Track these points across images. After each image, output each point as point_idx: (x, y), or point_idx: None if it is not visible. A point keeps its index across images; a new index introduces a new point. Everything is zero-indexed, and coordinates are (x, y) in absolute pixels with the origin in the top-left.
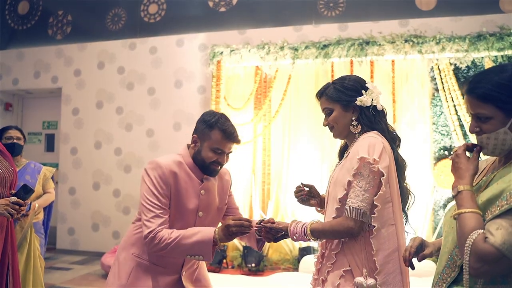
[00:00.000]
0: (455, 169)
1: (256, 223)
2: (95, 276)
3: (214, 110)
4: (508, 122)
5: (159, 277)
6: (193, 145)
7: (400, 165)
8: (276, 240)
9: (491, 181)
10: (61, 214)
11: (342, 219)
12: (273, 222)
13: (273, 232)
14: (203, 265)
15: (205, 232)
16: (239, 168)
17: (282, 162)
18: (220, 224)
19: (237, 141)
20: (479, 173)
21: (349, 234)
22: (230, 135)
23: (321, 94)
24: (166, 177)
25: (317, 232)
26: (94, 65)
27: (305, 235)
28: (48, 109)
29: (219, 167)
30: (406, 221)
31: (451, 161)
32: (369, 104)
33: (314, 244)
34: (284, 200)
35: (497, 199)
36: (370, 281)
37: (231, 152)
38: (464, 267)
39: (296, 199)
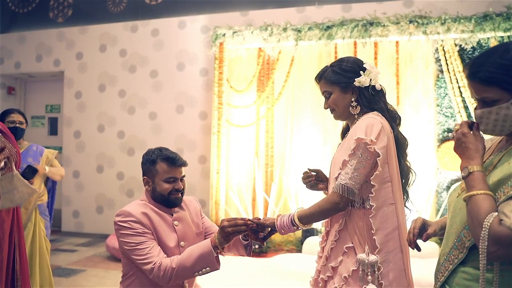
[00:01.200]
0: (462, 149)
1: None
2: (101, 258)
3: (215, 93)
4: None
5: None
6: (147, 186)
7: (400, 143)
8: (264, 239)
9: (500, 161)
10: (65, 197)
11: (329, 195)
12: (259, 219)
13: (260, 229)
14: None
15: (203, 245)
16: (242, 150)
17: (285, 144)
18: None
19: (182, 164)
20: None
21: (336, 210)
22: (174, 161)
23: (319, 78)
24: (140, 220)
25: (305, 218)
26: (96, 48)
27: (293, 225)
28: (51, 93)
29: (180, 194)
30: (407, 200)
31: (454, 140)
32: (367, 85)
33: (317, 225)
34: (287, 182)
35: (510, 179)
36: (372, 257)
37: (184, 176)
38: (480, 252)
39: (305, 185)
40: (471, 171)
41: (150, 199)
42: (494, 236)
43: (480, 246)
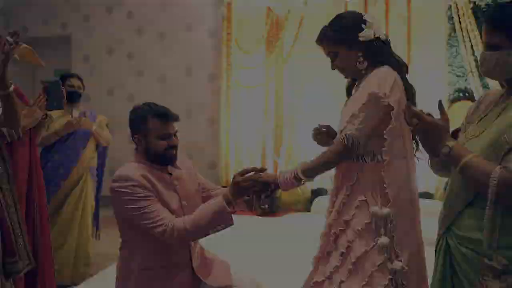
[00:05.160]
0: (431, 136)
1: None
2: (115, 219)
3: (224, 54)
4: None
5: (172, 280)
6: (139, 146)
7: (409, 92)
8: (267, 195)
9: (504, 110)
10: None
11: (333, 145)
12: (265, 169)
13: (262, 185)
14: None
15: (216, 202)
16: (252, 111)
17: (294, 105)
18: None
19: (175, 118)
20: (483, 108)
21: (339, 160)
22: (165, 116)
23: (321, 40)
24: (141, 183)
25: (309, 171)
26: (102, 10)
27: (296, 180)
28: (59, 57)
29: (175, 151)
30: (417, 149)
31: (413, 132)
32: (372, 37)
33: (326, 185)
34: (297, 142)
35: None
36: (385, 210)
37: (176, 131)
38: (489, 204)
39: (316, 142)
40: (450, 146)
41: (144, 160)
42: (505, 183)
43: (489, 198)
